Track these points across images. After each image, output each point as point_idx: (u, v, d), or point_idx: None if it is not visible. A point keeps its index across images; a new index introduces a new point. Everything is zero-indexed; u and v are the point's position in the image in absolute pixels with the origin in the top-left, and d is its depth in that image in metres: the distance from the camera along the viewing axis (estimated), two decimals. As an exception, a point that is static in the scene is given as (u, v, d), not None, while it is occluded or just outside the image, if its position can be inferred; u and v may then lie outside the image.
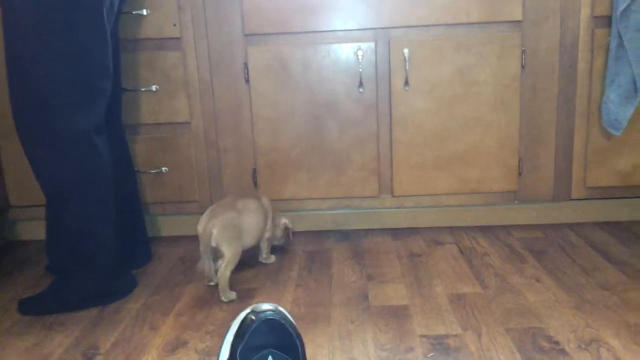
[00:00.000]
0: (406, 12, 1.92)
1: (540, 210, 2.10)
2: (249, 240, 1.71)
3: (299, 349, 0.98)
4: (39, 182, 1.58)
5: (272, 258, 1.87)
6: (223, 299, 1.60)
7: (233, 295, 1.61)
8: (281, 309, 1.08)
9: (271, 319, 0.97)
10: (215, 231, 1.59)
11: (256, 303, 1.06)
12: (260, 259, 1.87)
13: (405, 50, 1.94)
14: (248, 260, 1.85)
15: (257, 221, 1.74)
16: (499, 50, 1.94)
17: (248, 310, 1.05)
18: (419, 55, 1.95)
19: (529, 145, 2.02)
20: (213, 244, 1.59)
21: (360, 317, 1.48)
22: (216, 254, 1.62)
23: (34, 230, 2.15)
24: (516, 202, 2.08)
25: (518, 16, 1.91)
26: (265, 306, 1.02)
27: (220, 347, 1.06)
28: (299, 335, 1.00)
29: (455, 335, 1.35)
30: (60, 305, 1.58)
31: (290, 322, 1.01)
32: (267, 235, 1.82)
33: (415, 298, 1.57)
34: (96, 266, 1.60)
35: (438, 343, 1.32)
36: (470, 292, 1.59)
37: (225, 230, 1.61)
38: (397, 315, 1.47)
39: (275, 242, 1.90)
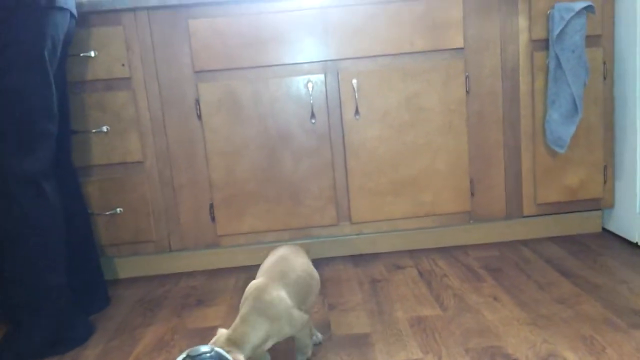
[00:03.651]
0: (353, 44, 1.97)
1: (495, 228, 2.15)
2: None
3: None
4: None
5: None
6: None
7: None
8: (218, 349, 1.06)
9: None
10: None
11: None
12: None
13: (354, 81, 1.98)
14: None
15: None
16: (444, 77, 2.00)
17: (184, 354, 1.02)
18: (367, 85, 1.99)
19: (479, 166, 2.08)
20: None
21: (323, 347, 1.47)
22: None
23: (-16, 280, 2.07)
24: (471, 221, 2.13)
25: (460, 43, 1.98)
26: (203, 348, 1.00)
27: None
28: None
29: (417, 359, 1.37)
30: (16, 355, 1.53)
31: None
32: None
33: (377, 325, 1.57)
34: (46, 315, 1.56)
35: (400, 369, 1.33)
36: (430, 314, 1.61)
37: None
38: (358, 344, 1.47)
39: None
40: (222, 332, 1.19)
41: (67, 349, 1.58)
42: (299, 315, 1.26)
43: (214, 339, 1.18)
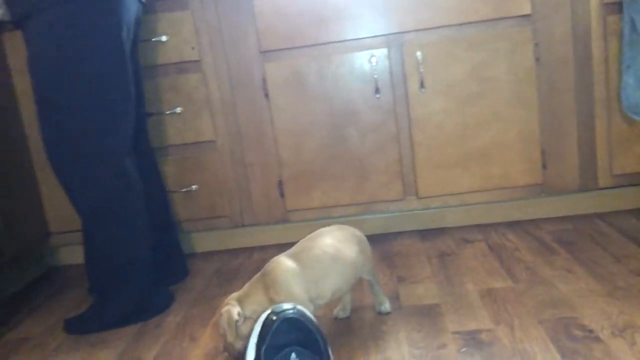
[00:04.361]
0: (416, 15, 1.95)
1: (568, 201, 2.09)
2: None
3: (320, 343, 1.02)
4: (74, 207, 1.66)
5: None
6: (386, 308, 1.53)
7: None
8: (300, 307, 1.12)
9: (291, 317, 1.02)
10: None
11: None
12: None
13: (418, 53, 1.97)
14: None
15: None
16: (512, 45, 1.95)
17: (268, 311, 1.09)
18: (432, 57, 1.98)
19: (551, 137, 2.02)
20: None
21: (393, 317, 1.50)
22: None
23: (74, 255, 2.24)
24: (543, 195, 2.08)
25: (527, 10, 1.92)
26: (285, 306, 1.06)
27: (246, 349, 1.11)
28: (319, 331, 1.04)
29: (488, 330, 1.37)
30: (102, 323, 1.65)
31: (309, 318, 1.05)
32: None
33: (446, 296, 1.58)
34: (132, 284, 1.67)
35: (471, 338, 1.34)
36: (502, 286, 1.60)
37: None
38: (429, 314, 1.49)
39: None
40: (234, 294, 1.31)
41: (150, 317, 1.69)
42: (297, 292, 1.27)
43: (226, 299, 1.30)
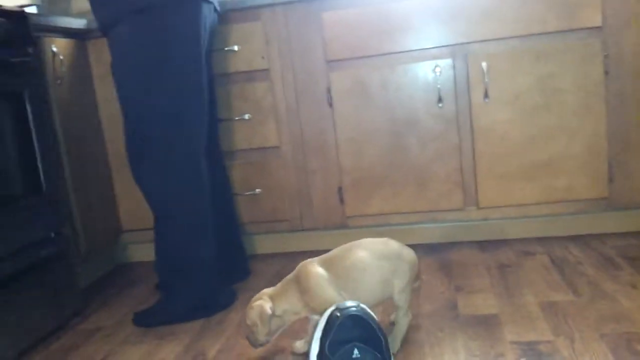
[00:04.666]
0: (482, 26, 1.96)
1: (634, 216, 2.03)
2: None
3: (382, 341, 1.05)
4: (150, 205, 1.75)
5: None
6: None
7: None
8: (363, 305, 1.15)
9: (355, 314, 1.05)
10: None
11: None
12: None
13: (484, 64, 1.98)
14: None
15: None
16: (580, 57, 1.92)
17: (333, 307, 1.13)
18: (497, 68, 1.98)
19: (619, 150, 1.98)
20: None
21: (450, 325, 1.51)
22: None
23: (143, 252, 2.36)
24: (608, 209, 2.03)
25: (597, 22, 1.89)
26: (349, 303, 1.10)
27: (310, 343, 1.15)
28: (381, 329, 1.07)
29: (547, 341, 1.36)
30: (168, 317, 1.73)
31: (373, 317, 1.09)
32: None
33: (505, 307, 1.58)
34: (198, 281, 1.75)
35: (530, 349, 1.33)
36: (563, 299, 1.58)
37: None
38: (486, 323, 1.49)
39: None
40: (266, 290, 1.38)
41: (213, 313, 1.76)
42: (330, 295, 1.31)
43: (258, 294, 1.37)
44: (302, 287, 1.34)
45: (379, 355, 1.04)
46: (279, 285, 1.39)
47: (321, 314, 1.25)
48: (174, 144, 1.69)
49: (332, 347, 1.04)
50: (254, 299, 1.37)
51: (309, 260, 1.40)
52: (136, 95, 1.68)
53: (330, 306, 1.26)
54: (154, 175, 1.71)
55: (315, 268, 1.36)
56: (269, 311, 1.31)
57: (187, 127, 1.72)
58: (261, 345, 1.38)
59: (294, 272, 1.39)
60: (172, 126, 1.69)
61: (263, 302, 1.33)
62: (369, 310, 1.12)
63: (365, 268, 1.35)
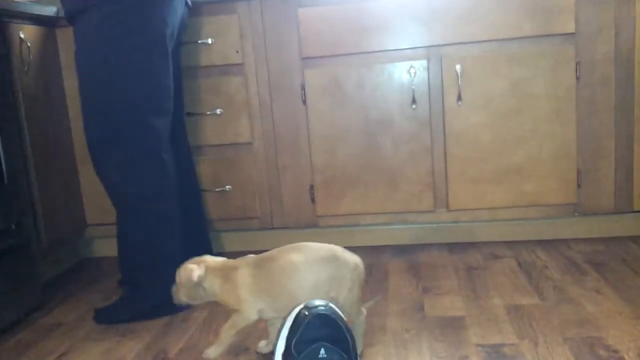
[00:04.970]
0: (458, 29, 1.96)
1: (601, 222, 2.06)
2: None
3: (349, 342, 1.03)
4: (111, 198, 1.72)
5: None
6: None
7: None
8: (332, 304, 1.14)
9: (323, 313, 1.04)
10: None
11: (312, 306, 1.12)
12: None
13: (458, 66, 1.98)
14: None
15: None
16: (553, 63, 1.94)
17: (301, 305, 1.11)
18: (471, 71, 1.98)
19: (588, 156, 2.00)
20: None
21: (416, 326, 1.50)
22: None
23: (109, 247, 2.30)
24: (576, 214, 2.05)
25: (571, 29, 1.91)
26: (317, 302, 1.08)
27: (276, 341, 1.13)
28: (349, 329, 1.06)
29: (512, 344, 1.36)
30: (131, 314, 1.69)
31: (341, 317, 1.07)
32: None
33: (472, 309, 1.58)
34: (162, 278, 1.70)
35: (494, 352, 1.33)
36: (528, 303, 1.59)
37: None
38: (452, 326, 1.49)
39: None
40: (210, 259, 1.41)
41: (177, 311, 1.72)
42: (242, 298, 1.33)
43: (200, 258, 1.41)
44: (229, 277, 1.35)
45: (345, 355, 1.03)
46: (224, 261, 1.41)
47: (230, 308, 1.33)
48: (136, 137, 1.66)
49: (299, 346, 1.02)
50: (194, 259, 1.40)
51: (250, 256, 1.39)
52: (98, 87, 1.64)
53: (236, 306, 1.33)
54: (115, 168, 1.67)
55: (245, 268, 1.35)
56: (195, 279, 1.34)
57: (150, 120, 1.68)
58: (183, 304, 1.43)
59: (237, 260, 1.39)
60: (134, 118, 1.65)
61: (195, 268, 1.35)
62: (337, 310, 1.10)
63: (294, 272, 1.29)
